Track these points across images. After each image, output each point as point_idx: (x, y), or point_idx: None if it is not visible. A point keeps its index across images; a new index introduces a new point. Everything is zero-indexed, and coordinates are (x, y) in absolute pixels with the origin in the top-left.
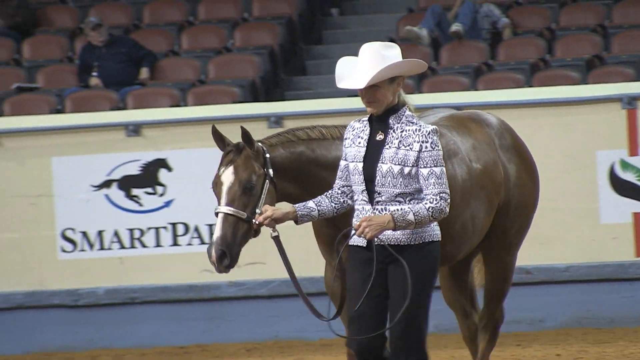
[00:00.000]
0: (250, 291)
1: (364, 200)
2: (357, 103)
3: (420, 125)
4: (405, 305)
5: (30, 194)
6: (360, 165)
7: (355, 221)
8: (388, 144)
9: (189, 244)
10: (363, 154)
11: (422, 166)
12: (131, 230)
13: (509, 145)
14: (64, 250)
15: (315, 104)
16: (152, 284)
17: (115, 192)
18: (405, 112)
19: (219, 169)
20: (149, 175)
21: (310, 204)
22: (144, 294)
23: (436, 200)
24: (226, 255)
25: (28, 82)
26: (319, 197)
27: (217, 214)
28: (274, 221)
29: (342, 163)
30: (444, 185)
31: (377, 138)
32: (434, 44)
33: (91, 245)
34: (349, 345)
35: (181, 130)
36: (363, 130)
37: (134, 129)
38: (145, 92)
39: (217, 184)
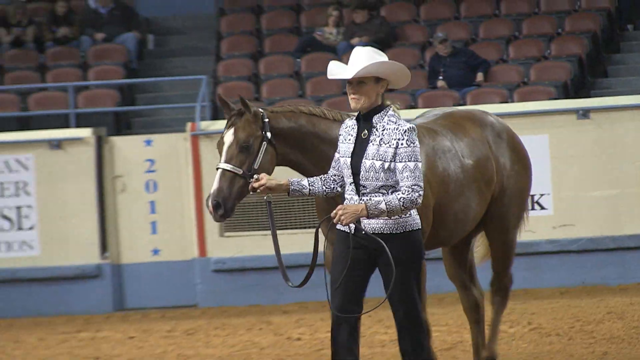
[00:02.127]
0: (563, 247)
1: (352, 191)
2: None
3: (399, 124)
4: (389, 292)
5: None
6: (349, 160)
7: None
8: (371, 141)
9: None
10: (351, 150)
11: (398, 161)
12: None
13: (505, 142)
14: None
15: (613, 99)
16: None
17: None
18: (388, 111)
19: (223, 131)
20: None
21: (304, 182)
22: None
23: (408, 191)
24: (221, 206)
25: None
26: (314, 178)
27: (217, 170)
28: (268, 189)
29: (336, 155)
30: (417, 179)
31: (363, 136)
32: None
33: None
34: (331, 307)
35: (508, 121)
36: (353, 128)
37: None
38: (481, 92)
39: (219, 144)
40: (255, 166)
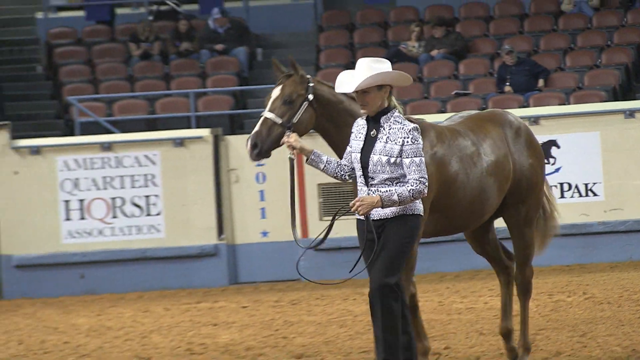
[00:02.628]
0: (613, 228)
1: (362, 183)
2: None
3: (404, 124)
4: (366, 264)
5: None
6: (358, 155)
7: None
8: (379, 139)
9: (572, 197)
10: (361, 146)
11: (405, 157)
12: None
13: (522, 139)
14: None
15: None
16: None
17: None
18: (394, 113)
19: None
20: (544, 152)
21: (324, 157)
22: None
23: (416, 183)
24: (257, 146)
25: (463, 90)
26: (333, 159)
27: (260, 117)
28: (292, 148)
29: (348, 149)
30: (422, 172)
31: (371, 134)
32: None
33: None
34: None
35: (565, 121)
36: (363, 127)
37: (535, 120)
38: (542, 96)
39: (267, 98)
40: (294, 120)
